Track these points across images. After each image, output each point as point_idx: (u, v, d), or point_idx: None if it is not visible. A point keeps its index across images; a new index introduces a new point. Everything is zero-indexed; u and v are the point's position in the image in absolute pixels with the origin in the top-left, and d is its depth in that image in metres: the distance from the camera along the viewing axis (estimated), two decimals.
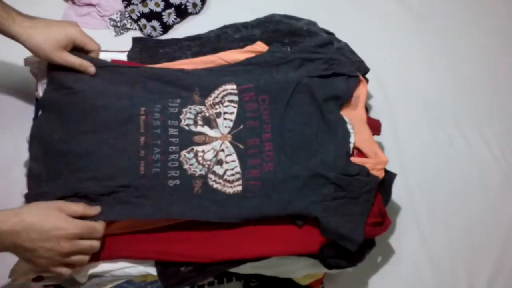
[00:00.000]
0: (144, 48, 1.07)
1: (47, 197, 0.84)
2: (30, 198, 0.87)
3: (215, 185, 0.90)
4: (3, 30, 0.87)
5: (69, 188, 0.85)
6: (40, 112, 0.95)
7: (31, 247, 0.75)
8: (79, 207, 0.81)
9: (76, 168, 0.87)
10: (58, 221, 0.77)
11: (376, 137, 1.01)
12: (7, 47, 1.12)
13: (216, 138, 0.94)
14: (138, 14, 1.26)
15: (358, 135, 0.96)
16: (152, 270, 0.87)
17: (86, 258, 0.82)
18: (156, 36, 1.26)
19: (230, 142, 0.93)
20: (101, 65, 0.97)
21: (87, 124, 0.90)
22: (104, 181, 0.86)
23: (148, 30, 1.25)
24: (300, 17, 1.13)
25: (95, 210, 0.84)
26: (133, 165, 0.89)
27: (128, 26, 1.23)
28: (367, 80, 1.06)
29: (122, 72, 0.97)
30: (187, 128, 0.94)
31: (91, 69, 0.95)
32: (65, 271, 0.79)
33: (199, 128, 0.94)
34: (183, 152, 0.92)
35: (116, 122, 0.91)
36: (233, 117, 0.95)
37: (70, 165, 0.88)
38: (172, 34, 1.13)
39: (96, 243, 0.81)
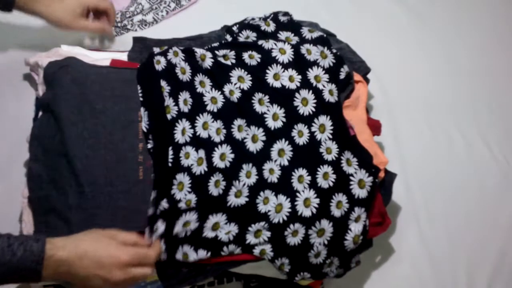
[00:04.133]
0: (144, 48, 1.07)
1: (50, 201, 0.85)
2: (32, 201, 0.87)
3: None
4: (28, 9, 0.99)
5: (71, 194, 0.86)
6: (40, 113, 0.95)
7: (85, 275, 0.73)
8: (131, 236, 0.80)
9: (76, 171, 0.87)
10: (111, 248, 0.76)
11: (376, 137, 1.01)
12: (7, 47, 1.12)
13: None
14: None
15: (358, 136, 0.96)
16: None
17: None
18: None
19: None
20: (98, 66, 0.97)
21: (86, 128, 0.90)
22: (104, 187, 0.87)
23: None
24: (301, 20, 1.12)
25: (148, 241, 0.83)
26: (132, 170, 0.89)
27: (128, 26, 1.22)
28: (367, 81, 1.06)
29: (119, 72, 0.98)
30: None
31: (110, 31, 1.09)
32: None
33: None
34: None
35: (114, 128, 0.91)
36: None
37: (70, 166, 0.88)
38: (172, 33, 1.13)
39: (147, 270, 0.79)
